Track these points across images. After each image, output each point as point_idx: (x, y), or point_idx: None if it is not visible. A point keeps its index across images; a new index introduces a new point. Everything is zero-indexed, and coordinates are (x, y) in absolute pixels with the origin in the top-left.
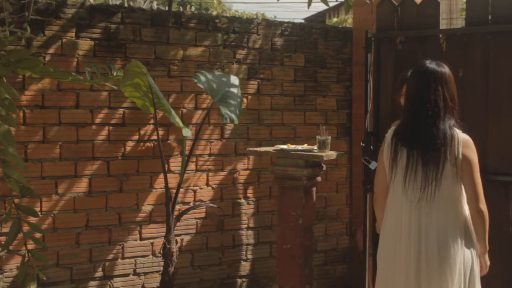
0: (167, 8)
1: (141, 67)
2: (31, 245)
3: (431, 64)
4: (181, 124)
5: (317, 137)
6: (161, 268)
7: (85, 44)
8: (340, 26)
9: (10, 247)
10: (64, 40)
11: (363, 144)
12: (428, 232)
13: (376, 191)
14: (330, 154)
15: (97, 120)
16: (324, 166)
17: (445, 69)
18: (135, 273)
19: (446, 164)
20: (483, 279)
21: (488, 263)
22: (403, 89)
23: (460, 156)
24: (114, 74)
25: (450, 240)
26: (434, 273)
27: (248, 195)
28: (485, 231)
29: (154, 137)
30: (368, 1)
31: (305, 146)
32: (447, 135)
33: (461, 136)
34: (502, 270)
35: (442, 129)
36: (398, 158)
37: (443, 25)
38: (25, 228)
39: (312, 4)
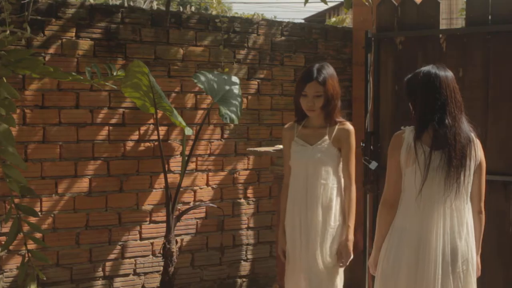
0: (165, 8)
1: (142, 66)
2: (31, 245)
3: (436, 69)
4: (183, 123)
5: None
6: (161, 268)
7: (85, 44)
8: (340, 26)
9: (10, 247)
10: (64, 40)
11: (363, 144)
12: (452, 235)
13: (388, 197)
14: None
15: (97, 120)
16: None
17: (450, 72)
18: (135, 273)
19: (471, 166)
20: (483, 278)
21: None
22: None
23: (478, 158)
24: (114, 74)
25: (470, 243)
26: (462, 280)
27: (248, 195)
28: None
29: (154, 137)
30: (366, 3)
31: None
32: (470, 137)
33: (476, 138)
34: (503, 270)
35: (464, 132)
36: (427, 161)
37: (443, 25)
38: (25, 228)
39: (312, 4)
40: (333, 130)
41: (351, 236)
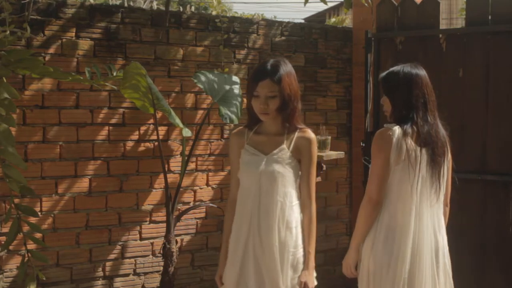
0: (165, 8)
1: (140, 68)
2: (31, 245)
3: (416, 68)
4: (181, 125)
5: (317, 137)
6: (161, 268)
7: (85, 44)
8: (340, 26)
9: (10, 247)
10: (64, 40)
11: (363, 144)
12: (434, 230)
13: (374, 194)
14: (330, 154)
15: (97, 120)
16: (324, 166)
17: (425, 71)
18: (135, 273)
19: (447, 163)
20: (484, 278)
21: None
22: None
23: (449, 156)
24: (114, 74)
25: (445, 237)
26: (447, 277)
27: None
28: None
29: (154, 137)
30: (366, 4)
31: None
32: (445, 135)
33: (447, 136)
34: (503, 269)
35: (441, 129)
36: (418, 159)
37: (443, 25)
38: (25, 228)
39: (312, 4)
40: (292, 137)
41: (312, 264)
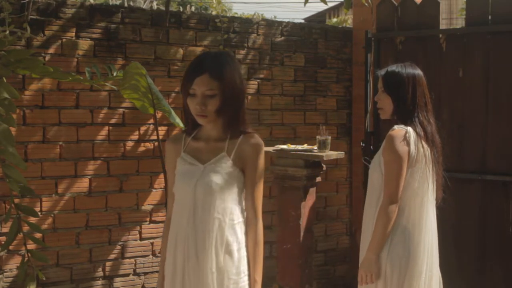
0: (165, 8)
1: (140, 68)
2: (31, 245)
3: (417, 68)
4: (181, 125)
5: (317, 137)
6: None
7: (85, 44)
8: (340, 26)
9: (10, 247)
10: (64, 40)
11: (363, 144)
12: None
13: (396, 195)
14: (330, 154)
15: (97, 120)
16: (324, 166)
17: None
18: (135, 273)
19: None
20: (484, 278)
21: None
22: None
23: None
24: (114, 74)
25: None
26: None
27: None
28: None
29: (154, 137)
30: (366, 4)
31: (305, 146)
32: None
33: None
34: (503, 269)
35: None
36: (429, 159)
37: (443, 25)
38: (25, 228)
39: (312, 4)
40: (234, 143)
41: None
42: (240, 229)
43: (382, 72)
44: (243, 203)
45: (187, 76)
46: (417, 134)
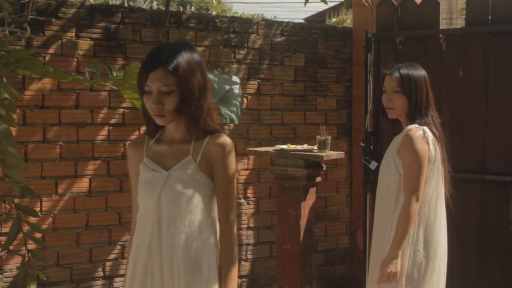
0: (165, 8)
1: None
2: (31, 245)
3: (422, 69)
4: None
5: (317, 137)
6: None
7: (85, 44)
8: (340, 26)
9: (10, 247)
10: (64, 40)
11: (363, 144)
12: None
13: (420, 193)
14: (330, 154)
15: (97, 120)
16: (324, 166)
17: None
18: None
19: None
20: (484, 278)
21: None
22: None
23: None
24: (114, 74)
25: None
26: None
27: (248, 195)
28: None
29: None
30: (366, 4)
31: (305, 146)
32: None
33: None
34: (503, 269)
35: None
36: (444, 158)
37: (443, 25)
38: (25, 228)
39: (312, 4)
40: (200, 146)
41: None
42: (210, 243)
43: (396, 73)
44: (214, 213)
45: (140, 72)
46: (433, 133)
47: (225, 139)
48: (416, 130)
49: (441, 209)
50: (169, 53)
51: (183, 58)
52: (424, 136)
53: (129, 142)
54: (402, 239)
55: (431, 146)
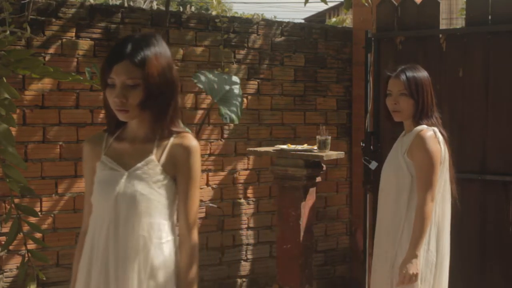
0: (165, 8)
1: None
2: (31, 245)
3: (425, 70)
4: (181, 124)
5: (317, 137)
6: None
7: (85, 44)
8: (340, 26)
9: (10, 247)
10: (64, 40)
11: (363, 144)
12: None
13: (434, 193)
14: (330, 154)
15: (97, 120)
16: (324, 166)
17: None
18: None
19: None
20: (484, 278)
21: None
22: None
23: None
24: None
25: None
26: None
27: (248, 195)
28: None
29: None
30: (366, 4)
31: (305, 146)
32: None
33: None
34: (503, 269)
35: None
36: (451, 158)
37: (443, 25)
38: (25, 228)
39: (312, 4)
40: (164, 145)
41: None
42: (170, 249)
43: (402, 76)
44: (175, 218)
45: (104, 63)
46: (441, 133)
47: (191, 140)
48: (427, 131)
49: (448, 209)
50: (136, 44)
51: (151, 51)
52: (435, 136)
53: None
54: (420, 239)
55: (442, 146)
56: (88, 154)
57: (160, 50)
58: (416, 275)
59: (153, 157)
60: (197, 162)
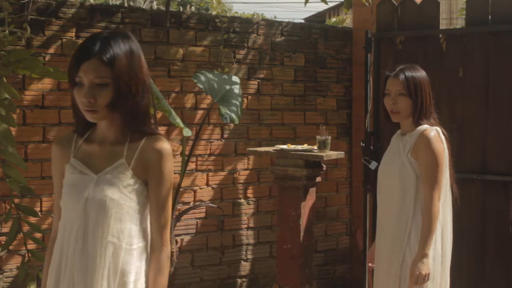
0: (165, 8)
1: None
2: (31, 245)
3: (423, 70)
4: (181, 125)
5: (317, 137)
6: None
7: None
8: (340, 26)
9: (10, 247)
10: (64, 40)
11: (363, 144)
12: None
13: (440, 194)
14: (330, 154)
15: None
16: (324, 166)
17: None
18: None
19: None
20: (484, 278)
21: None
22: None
23: None
24: None
25: None
26: None
27: (248, 195)
28: None
29: None
30: (366, 4)
31: (305, 146)
32: None
33: None
34: (503, 269)
35: None
36: (451, 158)
37: (443, 25)
38: (25, 228)
39: (312, 4)
40: (135, 148)
41: None
42: (140, 256)
43: (401, 76)
44: (146, 223)
45: (72, 61)
46: (443, 133)
47: (163, 143)
48: (431, 130)
49: (449, 207)
50: (106, 42)
51: (121, 49)
52: (439, 136)
53: None
54: (429, 238)
55: (445, 146)
56: (57, 156)
57: (130, 49)
58: (428, 275)
59: (123, 160)
60: (169, 166)
